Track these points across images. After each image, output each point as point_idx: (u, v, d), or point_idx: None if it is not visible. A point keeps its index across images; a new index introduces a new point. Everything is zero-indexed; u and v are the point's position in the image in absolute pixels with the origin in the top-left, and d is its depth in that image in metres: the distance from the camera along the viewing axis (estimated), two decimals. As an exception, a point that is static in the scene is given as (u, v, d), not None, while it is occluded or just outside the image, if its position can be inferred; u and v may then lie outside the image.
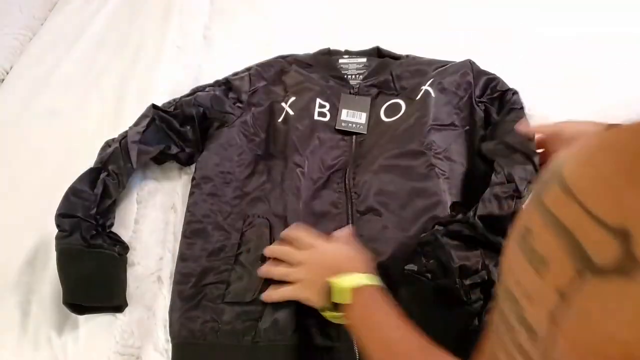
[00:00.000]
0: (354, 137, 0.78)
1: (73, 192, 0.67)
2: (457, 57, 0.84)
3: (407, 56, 0.88)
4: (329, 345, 0.60)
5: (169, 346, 0.63)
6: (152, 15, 1.10)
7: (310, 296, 0.56)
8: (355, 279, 0.50)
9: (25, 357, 0.63)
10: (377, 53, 0.89)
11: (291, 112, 0.79)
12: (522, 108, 0.74)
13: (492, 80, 0.79)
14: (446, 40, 0.95)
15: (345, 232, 0.63)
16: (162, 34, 1.04)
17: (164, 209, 0.76)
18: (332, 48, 0.91)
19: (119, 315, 0.65)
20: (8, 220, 0.76)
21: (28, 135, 0.89)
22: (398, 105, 0.79)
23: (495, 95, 0.77)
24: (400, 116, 0.77)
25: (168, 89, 0.92)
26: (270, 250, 0.64)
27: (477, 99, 0.77)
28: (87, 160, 0.78)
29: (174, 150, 0.76)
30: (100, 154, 0.73)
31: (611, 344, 0.17)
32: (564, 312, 0.18)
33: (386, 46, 0.90)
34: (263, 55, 0.92)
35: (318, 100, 0.80)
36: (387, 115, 0.79)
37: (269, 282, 0.63)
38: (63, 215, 0.64)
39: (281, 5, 1.10)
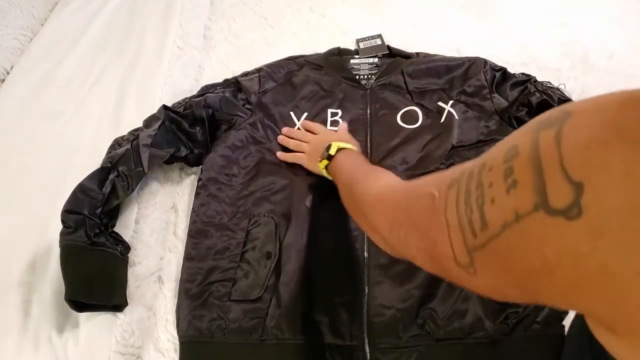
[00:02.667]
0: (368, 139, 0.77)
1: (81, 190, 0.67)
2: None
3: (418, 54, 0.88)
4: (339, 344, 0.60)
5: (170, 346, 0.63)
6: (152, 15, 1.10)
7: (310, 163, 0.73)
8: (338, 144, 0.66)
9: (25, 356, 0.63)
10: (388, 52, 0.90)
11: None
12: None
13: (511, 78, 0.80)
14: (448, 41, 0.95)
15: (342, 127, 0.77)
16: (162, 34, 1.04)
17: (164, 209, 0.76)
18: (341, 47, 0.92)
19: (119, 314, 0.65)
20: (8, 220, 0.76)
21: (28, 135, 0.89)
22: (415, 114, 0.79)
23: (522, 96, 0.78)
24: (420, 127, 0.78)
25: (168, 89, 0.92)
26: (302, 125, 0.81)
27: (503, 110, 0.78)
28: (87, 160, 0.78)
29: (183, 152, 0.75)
30: (109, 152, 0.73)
31: (527, 269, 0.23)
32: (512, 229, 0.23)
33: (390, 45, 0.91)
34: (263, 55, 0.92)
35: (329, 111, 0.81)
36: (404, 121, 0.79)
37: (273, 277, 0.64)
38: (69, 212, 0.64)
39: (281, 5, 1.10)
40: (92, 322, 0.65)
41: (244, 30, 1.06)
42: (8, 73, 1.03)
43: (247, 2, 1.12)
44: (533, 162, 0.22)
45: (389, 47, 0.90)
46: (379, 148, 0.76)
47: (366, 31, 0.98)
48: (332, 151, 0.65)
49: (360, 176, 0.53)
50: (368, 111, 0.80)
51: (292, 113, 0.82)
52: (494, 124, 0.77)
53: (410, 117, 0.79)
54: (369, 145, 0.77)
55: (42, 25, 1.15)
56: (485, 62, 0.82)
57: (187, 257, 0.68)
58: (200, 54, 1.01)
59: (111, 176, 0.69)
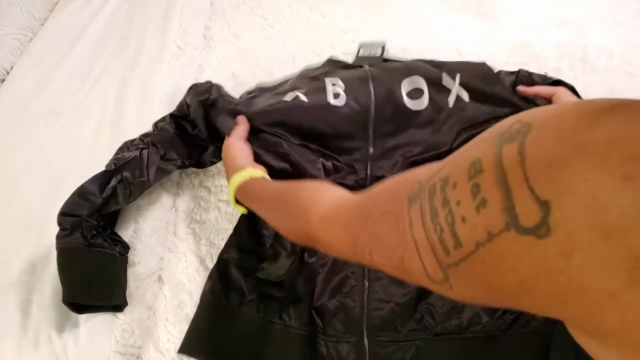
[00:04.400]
0: (371, 119, 0.73)
1: (80, 192, 0.67)
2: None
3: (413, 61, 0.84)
4: (339, 337, 0.61)
5: (170, 345, 0.63)
6: (153, 15, 1.10)
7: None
8: (234, 181, 0.62)
9: (25, 356, 0.63)
10: (382, 60, 0.86)
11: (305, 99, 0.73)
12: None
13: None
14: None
15: (241, 129, 0.70)
16: (162, 34, 1.04)
17: (164, 209, 0.76)
18: (334, 58, 0.87)
19: (119, 314, 0.65)
20: (8, 220, 0.76)
21: (28, 135, 0.89)
22: (421, 84, 0.74)
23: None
24: (426, 110, 0.73)
25: (168, 89, 0.92)
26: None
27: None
28: (87, 160, 0.78)
29: (187, 162, 0.74)
30: (117, 154, 0.72)
31: (503, 287, 0.23)
32: (486, 248, 0.23)
33: (391, 47, 0.90)
34: (263, 55, 0.92)
35: (327, 80, 0.75)
36: (411, 97, 0.74)
37: (294, 266, 0.65)
38: (65, 214, 0.64)
39: (281, 5, 1.10)
40: (92, 322, 0.65)
41: (244, 30, 1.06)
42: (8, 73, 1.03)
43: (247, 2, 1.12)
44: (499, 180, 0.22)
45: (384, 60, 0.86)
46: (382, 128, 0.73)
47: (366, 31, 0.98)
48: (233, 195, 0.61)
49: (297, 193, 0.49)
50: (370, 83, 0.74)
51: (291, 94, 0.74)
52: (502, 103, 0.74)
53: (416, 92, 0.74)
54: (371, 125, 0.73)
55: (42, 25, 1.15)
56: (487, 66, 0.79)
57: (235, 233, 0.71)
58: (200, 54, 1.01)
59: (113, 181, 0.68)
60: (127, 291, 0.67)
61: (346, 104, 0.72)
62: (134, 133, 0.76)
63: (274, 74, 0.90)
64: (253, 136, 0.71)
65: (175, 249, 0.72)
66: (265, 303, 0.64)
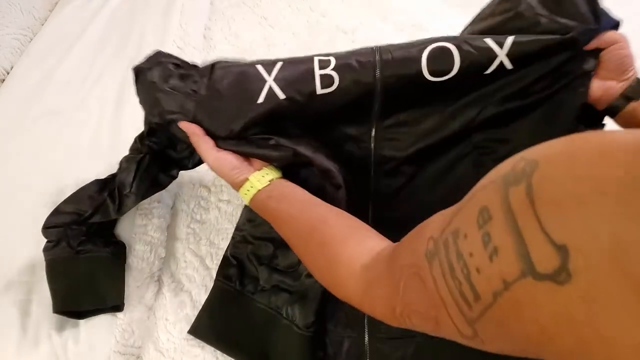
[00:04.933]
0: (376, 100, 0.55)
1: (63, 206, 0.65)
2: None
3: None
4: (339, 334, 0.61)
5: (170, 345, 0.63)
6: (153, 15, 1.10)
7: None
8: (244, 198, 0.53)
9: (25, 356, 0.63)
10: None
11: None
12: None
13: None
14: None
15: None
16: (162, 34, 1.04)
17: (164, 208, 0.76)
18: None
19: (119, 314, 0.65)
20: (8, 220, 0.76)
21: (28, 135, 0.89)
22: (449, 53, 0.51)
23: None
24: (454, 77, 0.52)
25: (168, 89, 0.92)
26: None
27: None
28: (87, 160, 0.78)
29: (176, 172, 0.69)
30: (121, 163, 0.66)
31: (526, 337, 0.22)
32: (504, 297, 0.22)
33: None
34: (263, 55, 0.92)
35: (317, 59, 0.55)
36: (431, 71, 0.52)
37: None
38: (49, 227, 0.64)
39: (281, 5, 1.10)
40: (92, 323, 0.65)
41: (244, 30, 1.06)
42: (8, 73, 1.03)
43: (247, 2, 1.12)
44: (509, 225, 0.21)
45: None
46: (390, 109, 0.56)
47: (366, 31, 0.98)
48: (260, 184, 0.52)
49: (333, 232, 0.45)
50: (377, 56, 0.53)
51: (259, 67, 0.55)
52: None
53: (442, 61, 0.52)
54: (377, 107, 0.56)
55: (42, 25, 1.15)
56: None
57: (247, 218, 0.70)
58: (200, 54, 1.01)
59: (104, 194, 0.65)
60: (127, 291, 0.67)
61: (339, 87, 0.54)
62: (134, 133, 0.75)
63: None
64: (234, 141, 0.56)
65: (175, 249, 0.72)
66: (276, 294, 0.64)
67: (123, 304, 0.65)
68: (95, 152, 0.81)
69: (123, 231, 0.72)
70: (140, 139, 0.65)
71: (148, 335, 0.64)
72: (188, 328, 0.64)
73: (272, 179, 0.54)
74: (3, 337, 0.64)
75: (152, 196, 0.77)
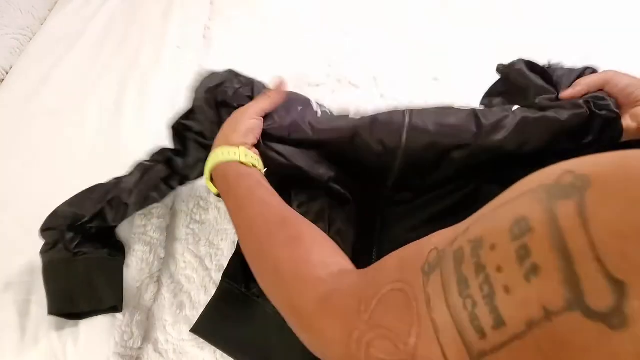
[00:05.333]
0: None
1: (63, 208, 0.65)
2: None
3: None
4: None
5: (169, 347, 0.63)
6: (152, 15, 1.10)
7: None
8: (217, 154, 0.49)
9: (25, 356, 0.63)
10: None
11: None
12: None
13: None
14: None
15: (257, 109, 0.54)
16: (162, 34, 1.04)
17: (164, 209, 0.76)
18: None
19: (118, 316, 0.65)
20: (8, 220, 0.76)
21: (28, 135, 0.89)
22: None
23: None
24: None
25: (168, 89, 0.92)
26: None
27: None
28: (87, 160, 0.78)
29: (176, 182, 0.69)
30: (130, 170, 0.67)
31: None
32: (543, 329, 0.18)
33: (390, 49, 0.90)
34: (263, 55, 0.92)
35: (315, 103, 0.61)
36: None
37: None
38: (46, 230, 0.63)
39: (281, 6, 1.10)
40: (91, 324, 0.65)
41: (244, 30, 1.06)
42: (8, 73, 1.03)
43: (247, 2, 1.12)
44: (556, 243, 0.18)
45: None
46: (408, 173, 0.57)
47: (365, 32, 0.97)
48: (248, 160, 0.48)
49: (311, 233, 0.40)
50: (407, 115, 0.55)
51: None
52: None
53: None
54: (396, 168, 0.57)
55: (42, 25, 1.15)
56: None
57: None
58: (200, 54, 1.01)
59: (104, 201, 0.65)
60: (126, 293, 0.66)
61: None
62: (134, 133, 0.75)
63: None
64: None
65: (174, 250, 0.72)
66: None
67: (121, 305, 0.65)
68: (94, 152, 0.81)
69: (122, 231, 0.72)
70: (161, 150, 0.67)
71: (148, 336, 0.64)
72: (187, 329, 0.64)
73: (259, 170, 0.51)
74: (2, 338, 0.64)
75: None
